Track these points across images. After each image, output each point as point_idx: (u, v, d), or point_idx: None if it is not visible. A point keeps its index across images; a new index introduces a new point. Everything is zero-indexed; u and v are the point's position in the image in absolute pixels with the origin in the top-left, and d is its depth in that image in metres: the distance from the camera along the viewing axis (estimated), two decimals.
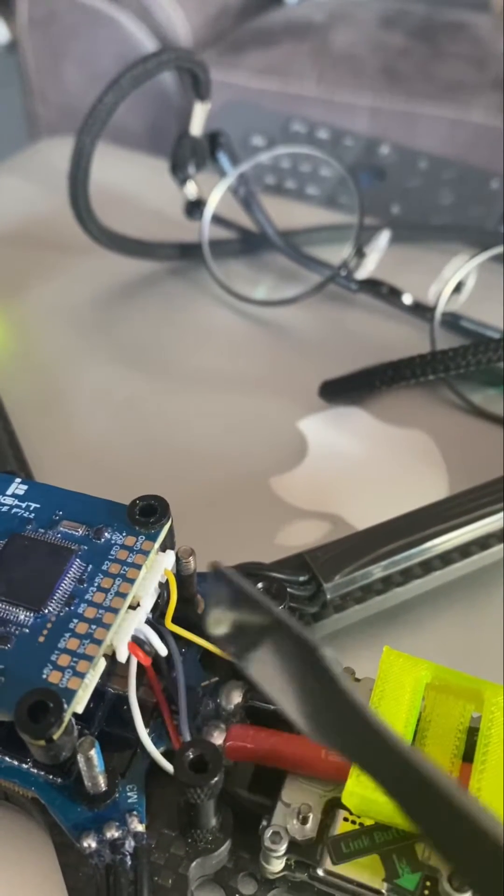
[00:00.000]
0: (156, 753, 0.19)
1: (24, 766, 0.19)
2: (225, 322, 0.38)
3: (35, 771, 0.19)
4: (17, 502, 0.22)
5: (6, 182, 0.49)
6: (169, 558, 0.21)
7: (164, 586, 0.21)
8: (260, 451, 0.31)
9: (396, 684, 0.19)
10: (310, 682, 0.13)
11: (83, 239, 0.36)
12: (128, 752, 0.20)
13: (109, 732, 0.20)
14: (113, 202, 0.39)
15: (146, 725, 0.20)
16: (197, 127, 0.38)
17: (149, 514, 0.21)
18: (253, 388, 0.34)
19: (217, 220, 0.39)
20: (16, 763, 0.19)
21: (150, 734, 0.20)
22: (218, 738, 0.20)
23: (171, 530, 0.22)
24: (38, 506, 0.22)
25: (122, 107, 0.33)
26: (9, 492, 0.23)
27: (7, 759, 0.19)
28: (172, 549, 0.22)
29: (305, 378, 0.33)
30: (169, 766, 0.19)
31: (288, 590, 0.21)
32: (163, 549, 0.21)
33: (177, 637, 0.21)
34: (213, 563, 0.15)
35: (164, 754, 0.19)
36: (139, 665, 0.20)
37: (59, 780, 0.19)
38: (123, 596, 0.20)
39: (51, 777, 0.19)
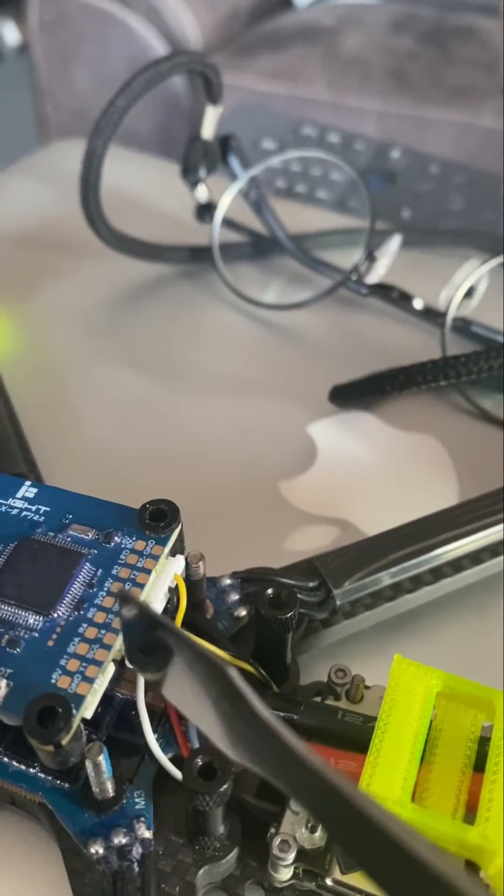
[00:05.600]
0: (164, 760, 0.19)
1: (32, 770, 0.19)
2: (235, 325, 0.38)
3: (43, 776, 0.19)
4: (27, 505, 0.22)
5: (17, 184, 0.49)
6: (179, 563, 0.21)
7: (173, 591, 0.21)
8: (269, 455, 0.31)
9: (407, 693, 0.19)
10: (224, 705, 0.13)
11: (93, 242, 0.36)
12: (135, 757, 0.20)
13: (117, 738, 0.20)
14: (123, 205, 0.39)
15: (154, 731, 0.20)
16: (208, 130, 0.38)
17: (159, 518, 0.21)
18: (263, 392, 0.34)
19: (227, 223, 0.39)
20: (23, 768, 0.19)
21: (158, 740, 0.20)
22: None
23: (180, 535, 0.21)
24: (47, 509, 0.22)
25: (133, 110, 0.33)
26: (19, 495, 0.23)
27: (15, 763, 0.19)
28: (182, 553, 0.22)
29: (315, 382, 0.33)
30: (177, 773, 0.19)
31: (298, 595, 0.21)
32: (172, 553, 0.21)
33: None
34: (122, 592, 0.15)
35: (172, 760, 0.19)
36: None
37: (67, 785, 0.19)
38: None
39: (58, 782, 0.19)
